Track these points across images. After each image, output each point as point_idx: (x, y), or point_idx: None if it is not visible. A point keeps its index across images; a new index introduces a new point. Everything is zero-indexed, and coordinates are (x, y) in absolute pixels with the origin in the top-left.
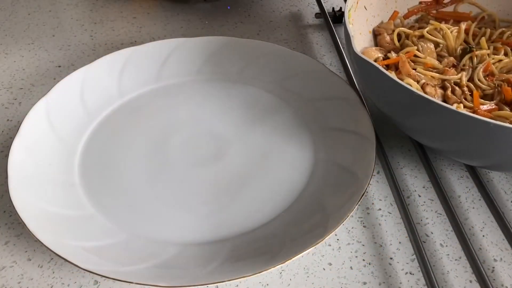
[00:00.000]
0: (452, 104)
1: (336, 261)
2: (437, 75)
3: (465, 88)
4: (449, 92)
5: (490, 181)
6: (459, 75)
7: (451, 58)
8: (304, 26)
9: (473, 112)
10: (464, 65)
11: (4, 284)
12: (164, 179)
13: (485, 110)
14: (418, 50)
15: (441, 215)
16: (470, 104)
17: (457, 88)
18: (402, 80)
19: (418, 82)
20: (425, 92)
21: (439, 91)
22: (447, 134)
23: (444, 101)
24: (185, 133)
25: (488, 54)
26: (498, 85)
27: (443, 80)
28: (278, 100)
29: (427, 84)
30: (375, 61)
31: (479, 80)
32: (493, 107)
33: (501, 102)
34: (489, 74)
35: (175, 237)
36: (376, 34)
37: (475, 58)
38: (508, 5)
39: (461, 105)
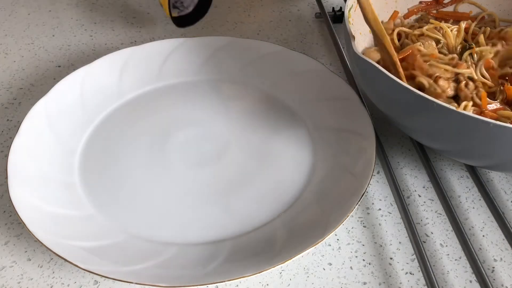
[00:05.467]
0: (463, 98)
1: (336, 261)
2: (450, 68)
3: (479, 83)
4: (463, 85)
5: (490, 181)
6: (470, 69)
7: (455, 55)
8: (304, 26)
9: (481, 113)
10: (466, 61)
11: (4, 284)
12: (164, 179)
13: (491, 110)
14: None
15: (441, 215)
16: (480, 102)
17: (470, 82)
18: (413, 75)
19: (430, 76)
20: (438, 85)
21: (452, 84)
22: (447, 134)
23: (457, 95)
24: (185, 133)
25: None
26: (501, 83)
27: (456, 74)
28: (278, 100)
29: (440, 77)
30: (378, 62)
31: (482, 75)
32: (499, 106)
33: (503, 101)
34: (490, 69)
35: (175, 237)
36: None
37: (475, 55)
38: (508, 5)
39: (470, 103)
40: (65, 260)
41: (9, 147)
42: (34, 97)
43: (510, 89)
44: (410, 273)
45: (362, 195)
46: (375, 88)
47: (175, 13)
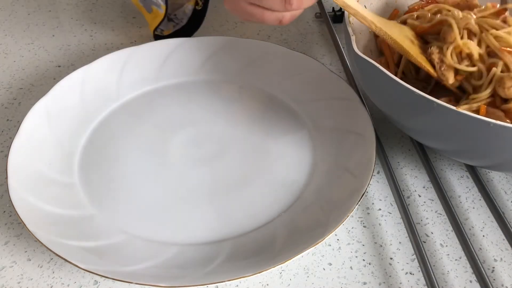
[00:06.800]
0: None
1: (336, 261)
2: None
3: None
4: None
5: (490, 181)
6: None
7: None
8: (304, 26)
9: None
10: None
11: (4, 284)
12: (164, 179)
13: None
14: None
15: (441, 215)
16: None
17: None
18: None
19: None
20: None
21: None
22: (448, 134)
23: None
24: (185, 133)
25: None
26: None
27: None
28: (278, 100)
29: None
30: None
31: None
32: None
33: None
34: None
35: (175, 237)
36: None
37: None
38: None
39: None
40: (65, 260)
41: (9, 147)
42: (34, 97)
43: None
44: (410, 273)
45: (362, 195)
46: (375, 88)
47: (170, 28)
